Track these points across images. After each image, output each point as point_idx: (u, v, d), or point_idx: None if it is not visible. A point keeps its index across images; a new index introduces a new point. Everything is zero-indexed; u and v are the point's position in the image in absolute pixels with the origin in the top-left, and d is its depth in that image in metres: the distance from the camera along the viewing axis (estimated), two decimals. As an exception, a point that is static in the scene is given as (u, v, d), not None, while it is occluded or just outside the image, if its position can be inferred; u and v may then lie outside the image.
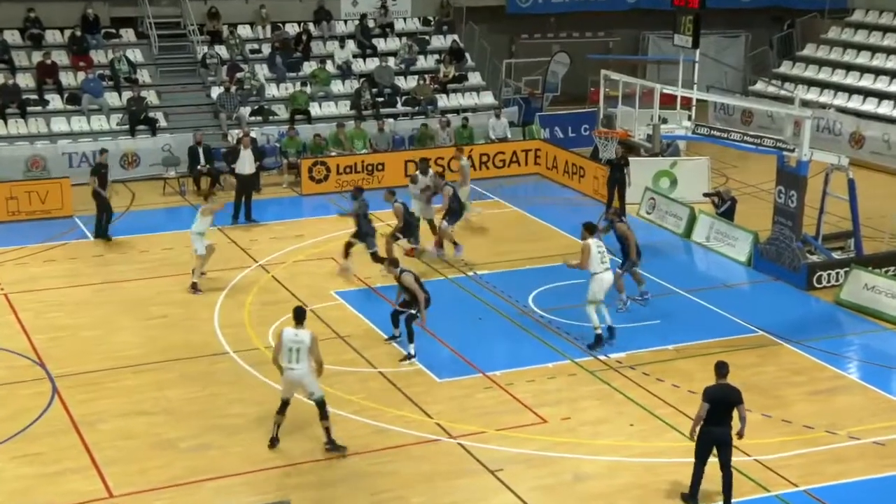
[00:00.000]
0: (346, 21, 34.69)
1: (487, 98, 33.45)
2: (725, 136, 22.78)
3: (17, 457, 14.91)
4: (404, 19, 35.50)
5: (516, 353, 18.45)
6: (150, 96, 30.35)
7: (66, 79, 30.17)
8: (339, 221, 23.53)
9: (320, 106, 31.46)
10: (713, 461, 13.62)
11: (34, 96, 29.39)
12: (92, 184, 24.08)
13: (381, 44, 34.22)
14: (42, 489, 14.18)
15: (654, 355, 18.32)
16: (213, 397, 16.78)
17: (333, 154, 28.86)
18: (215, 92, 30.53)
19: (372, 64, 33.21)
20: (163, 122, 29.80)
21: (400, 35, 34.79)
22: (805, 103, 30.19)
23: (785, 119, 22.93)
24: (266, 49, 32.82)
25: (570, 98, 35.85)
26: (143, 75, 31.13)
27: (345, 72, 32.73)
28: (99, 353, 18.34)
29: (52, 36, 31.26)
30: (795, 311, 20.65)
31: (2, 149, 27.80)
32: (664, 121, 23.64)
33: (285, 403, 15.09)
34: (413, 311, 17.93)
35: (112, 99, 29.98)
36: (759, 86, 35.84)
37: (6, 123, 28.56)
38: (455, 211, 23.01)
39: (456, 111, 32.47)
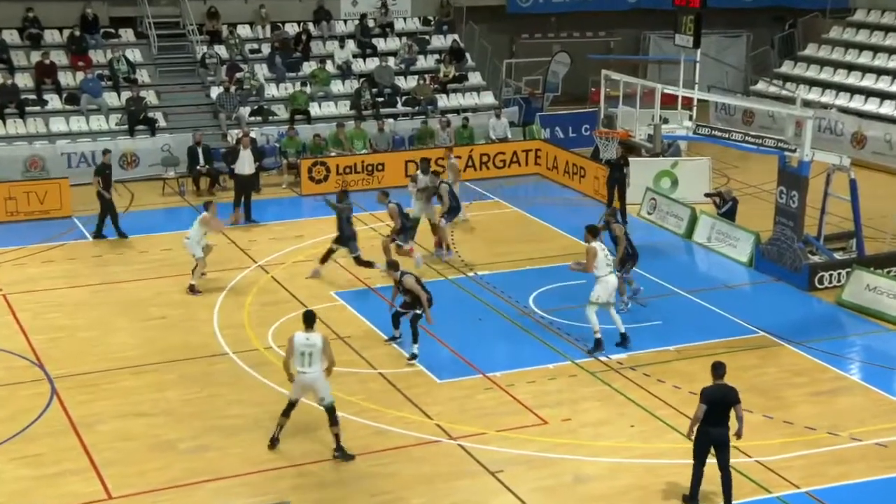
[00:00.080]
0: (345, 21, 34.65)
1: (488, 98, 33.40)
2: (727, 136, 22.73)
3: (16, 458, 14.87)
4: (404, 19, 35.46)
5: (517, 354, 18.40)
6: (150, 96, 30.30)
7: (65, 79, 30.12)
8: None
9: (320, 106, 31.41)
10: (713, 462, 13.58)
11: (33, 96, 29.33)
12: (96, 185, 24.05)
13: (381, 44, 34.17)
14: (41, 491, 14.14)
15: (655, 356, 18.28)
16: (212, 398, 16.73)
17: (333, 154, 28.81)
18: (215, 92, 30.48)
19: (372, 64, 33.16)
20: (162, 123, 29.75)
21: (400, 35, 34.74)
22: (806, 103, 30.13)
23: (786, 119, 22.87)
24: (266, 49, 32.78)
25: (570, 98, 35.81)
26: (143, 75, 31.09)
27: (345, 72, 32.68)
28: (98, 353, 18.29)
29: (50, 36, 31.22)
30: (797, 312, 20.59)
31: (0, 149, 27.74)
32: (665, 121, 23.58)
33: (292, 405, 15.03)
34: (418, 311, 17.88)
35: (111, 99, 29.93)
36: (761, 86, 35.78)
37: (5, 123, 28.49)
38: (453, 209, 22.98)
39: (456, 111, 32.42)
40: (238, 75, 31.04)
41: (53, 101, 29.48)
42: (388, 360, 18.03)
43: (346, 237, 21.50)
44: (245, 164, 25.43)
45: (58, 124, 28.99)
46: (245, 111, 30.25)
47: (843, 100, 33.31)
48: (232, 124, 29.85)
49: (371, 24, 34.33)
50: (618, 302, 19.02)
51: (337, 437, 14.84)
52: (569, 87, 35.76)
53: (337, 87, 32.34)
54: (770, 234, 22.36)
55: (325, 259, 21.63)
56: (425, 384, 17.24)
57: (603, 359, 18.09)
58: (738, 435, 13.58)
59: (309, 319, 14.92)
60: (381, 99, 31.89)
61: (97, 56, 31.04)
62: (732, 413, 13.50)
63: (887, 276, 20.64)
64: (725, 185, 26.80)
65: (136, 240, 24.02)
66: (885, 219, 24.28)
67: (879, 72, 33.46)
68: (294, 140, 29.03)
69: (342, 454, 14.82)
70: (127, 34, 32.13)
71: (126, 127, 29.12)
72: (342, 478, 14.49)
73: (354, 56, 33.30)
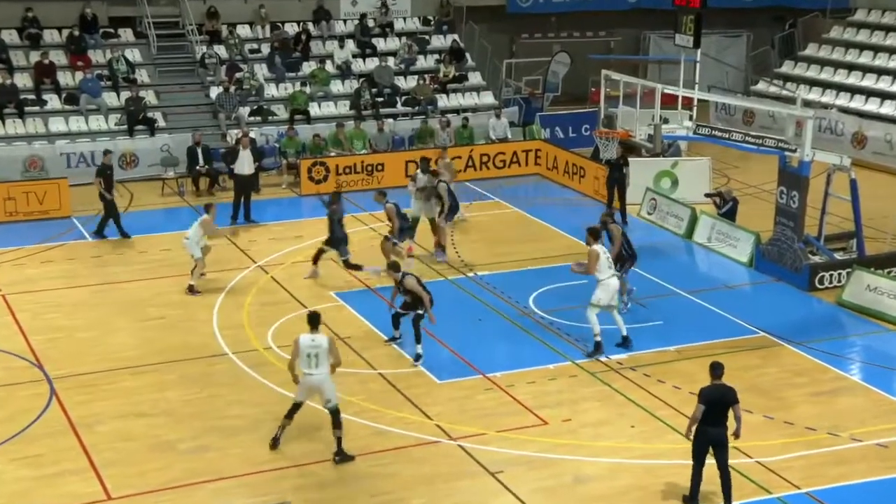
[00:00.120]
0: (345, 21, 34.63)
1: (488, 98, 33.38)
2: (727, 136, 22.69)
3: (16, 459, 14.84)
4: (404, 19, 35.44)
5: (517, 355, 18.37)
6: (149, 96, 30.28)
7: (64, 79, 30.09)
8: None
9: (319, 106, 31.38)
10: (713, 462, 13.55)
11: (32, 96, 29.30)
12: (98, 186, 24.02)
13: (380, 44, 34.15)
14: (40, 491, 14.11)
15: (655, 357, 18.25)
16: (211, 399, 16.70)
17: (333, 154, 28.78)
18: (214, 92, 30.45)
19: (372, 64, 33.13)
20: (161, 123, 29.72)
21: (400, 35, 34.72)
22: (807, 103, 30.09)
23: (787, 119, 22.85)
24: (265, 49, 32.76)
25: (570, 98, 35.79)
26: (142, 75, 31.06)
27: (344, 72, 32.65)
28: (97, 354, 18.26)
29: (49, 35, 31.20)
30: (797, 313, 20.56)
31: (-1, 149, 27.78)
32: (665, 121, 23.56)
33: (296, 407, 14.99)
34: (420, 312, 17.86)
35: (110, 99, 29.89)
36: (761, 86, 35.75)
37: (4, 123, 28.47)
38: (452, 208, 22.96)
39: (456, 111, 32.39)
40: (237, 75, 31.01)
41: (52, 101, 29.45)
42: (388, 361, 18.00)
43: (336, 240, 21.42)
44: (244, 164, 25.40)
45: (57, 124, 28.96)
46: (244, 111, 30.22)
47: (843, 100, 33.29)
48: (231, 124, 29.83)
49: (371, 23, 34.31)
50: (619, 302, 18.97)
51: (339, 440, 14.80)
52: (569, 87, 35.73)
53: (336, 87, 32.31)
54: (770, 234, 22.33)
55: (316, 259, 21.59)
56: (425, 385, 17.21)
57: (603, 359, 18.06)
58: (736, 435, 13.58)
59: (314, 321, 14.88)
60: (380, 99, 31.87)
61: (96, 56, 31.02)
62: (731, 413, 13.49)
63: (888, 276, 20.62)
64: (726, 185, 26.77)
65: (135, 240, 24.00)
66: (886, 219, 24.26)
67: (880, 72, 33.43)
68: (294, 140, 28.99)
69: (342, 457, 14.78)
70: (126, 34, 32.10)
71: (125, 127, 29.08)
72: (342, 478, 14.47)
73: (354, 56, 33.28)
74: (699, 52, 29.08)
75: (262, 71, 31.94)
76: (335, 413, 14.76)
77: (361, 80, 32.20)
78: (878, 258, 21.90)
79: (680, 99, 25.84)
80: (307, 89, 31.38)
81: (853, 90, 33.41)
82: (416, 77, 33.13)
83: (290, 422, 15.04)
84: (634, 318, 19.55)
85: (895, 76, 32.97)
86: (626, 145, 24.70)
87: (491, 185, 28.54)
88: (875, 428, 15.93)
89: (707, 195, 25.42)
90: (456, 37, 34.84)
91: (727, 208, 24.16)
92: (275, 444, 15.09)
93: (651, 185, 26.53)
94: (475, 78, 34.06)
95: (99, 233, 24.08)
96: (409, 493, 14.17)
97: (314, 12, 34.09)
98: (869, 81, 33.36)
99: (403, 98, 32.22)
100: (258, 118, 30.45)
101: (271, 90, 31.59)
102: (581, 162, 28.44)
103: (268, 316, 19.71)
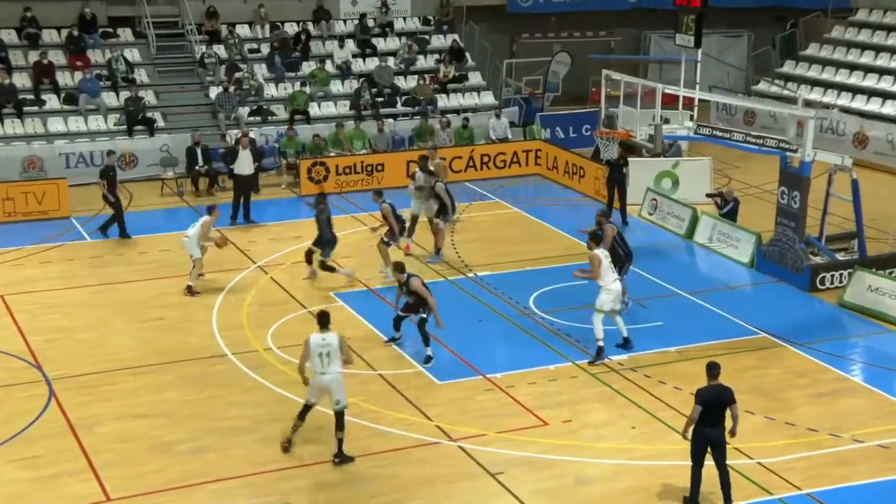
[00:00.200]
0: (345, 21, 34.60)
1: (488, 98, 33.34)
2: (728, 136, 22.63)
3: (14, 460, 14.79)
4: (404, 19, 35.42)
5: (517, 355, 18.32)
6: (148, 96, 30.24)
7: (63, 78, 30.05)
8: (339, 223, 23.34)
9: (319, 106, 31.34)
10: (712, 463, 13.52)
11: (31, 96, 29.27)
12: (101, 187, 23.98)
13: (380, 43, 34.11)
14: (39, 493, 14.07)
15: (656, 357, 18.20)
16: (211, 400, 16.65)
17: (333, 154, 28.73)
18: (214, 92, 30.42)
19: (371, 64, 33.10)
20: (161, 123, 29.68)
21: (400, 35, 34.69)
22: (808, 103, 30.09)
23: (788, 119, 22.81)
24: (265, 49, 32.73)
25: (571, 98, 35.75)
26: (141, 75, 31.02)
27: (344, 72, 32.61)
28: (96, 355, 18.21)
29: (48, 35, 31.17)
30: (798, 313, 20.50)
31: (-2, 149, 27.73)
32: (666, 121, 23.53)
33: (307, 408, 14.91)
34: (424, 315, 17.78)
35: (109, 99, 29.86)
36: (762, 86, 35.71)
37: (2, 123, 28.43)
38: (452, 207, 22.91)
39: (456, 111, 32.36)
40: (237, 75, 30.97)
41: (51, 101, 29.42)
42: (388, 362, 17.95)
43: (323, 240, 21.33)
44: (244, 164, 25.36)
45: (56, 124, 28.92)
46: (244, 111, 30.18)
47: (844, 100, 33.25)
48: (231, 124, 29.78)
49: (371, 23, 34.28)
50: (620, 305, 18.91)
51: (340, 441, 14.74)
52: (569, 87, 35.70)
53: (336, 87, 32.27)
54: (771, 234, 22.29)
55: (309, 259, 21.52)
56: (425, 385, 17.16)
57: (604, 360, 18.00)
58: (732, 433, 13.56)
59: (324, 320, 14.80)
60: (380, 99, 31.83)
61: (95, 56, 30.98)
62: (728, 413, 13.46)
63: (889, 276, 20.57)
64: (727, 185, 26.70)
65: (134, 240, 23.96)
66: (888, 219, 24.26)
67: (881, 72, 33.39)
68: (293, 140, 28.94)
69: (342, 459, 14.72)
70: (125, 34, 32.08)
71: (124, 127, 29.04)
72: (342, 479, 14.42)
73: (354, 56, 33.24)
74: (700, 51, 29.04)
75: (261, 71, 31.90)
76: (341, 415, 14.69)
77: (361, 80, 32.16)
78: (880, 259, 21.85)
79: (681, 99, 25.78)
80: (307, 89, 31.33)
81: (854, 90, 33.37)
82: (416, 77, 33.10)
83: (303, 423, 14.97)
84: (635, 318, 19.50)
85: (896, 76, 32.98)
86: (627, 145, 24.65)
87: (491, 186, 28.50)
88: (877, 429, 15.87)
89: (708, 195, 25.38)
90: (456, 37, 34.81)
91: (728, 209, 24.10)
92: (288, 446, 14.97)
93: (652, 186, 26.49)
94: (475, 78, 34.02)
95: (103, 231, 24.03)
96: (409, 494, 14.12)
97: (314, 12, 34.06)
98: (870, 81, 33.32)
99: (403, 98, 32.18)
100: (258, 118, 30.41)
101: (271, 90, 31.55)
102: (581, 162, 28.40)
103: (267, 317, 19.66)
